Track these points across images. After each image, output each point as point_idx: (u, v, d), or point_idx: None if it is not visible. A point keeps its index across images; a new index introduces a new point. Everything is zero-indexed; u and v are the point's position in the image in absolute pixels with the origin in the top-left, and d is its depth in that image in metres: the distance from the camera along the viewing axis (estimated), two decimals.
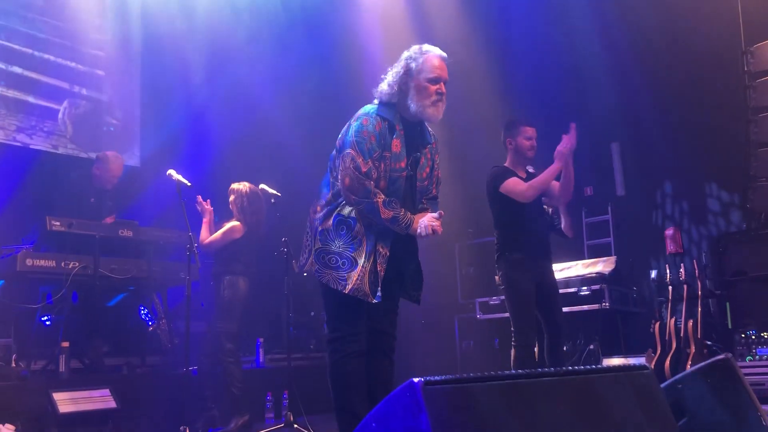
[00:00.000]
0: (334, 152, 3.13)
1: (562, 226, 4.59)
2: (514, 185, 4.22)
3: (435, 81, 3.03)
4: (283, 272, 5.16)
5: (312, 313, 7.07)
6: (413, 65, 3.05)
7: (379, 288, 2.95)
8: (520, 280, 4.22)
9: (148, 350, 5.81)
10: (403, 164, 3.04)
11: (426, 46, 3.14)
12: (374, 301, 2.95)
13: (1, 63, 6.76)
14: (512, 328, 4.21)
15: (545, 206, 4.59)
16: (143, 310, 6.12)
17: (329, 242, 2.99)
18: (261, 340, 6.19)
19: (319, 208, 3.09)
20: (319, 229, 3.02)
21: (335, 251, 2.97)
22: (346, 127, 3.09)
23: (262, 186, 5.41)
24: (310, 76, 7.55)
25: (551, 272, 4.48)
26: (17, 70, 6.88)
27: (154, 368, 5.60)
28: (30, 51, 6.97)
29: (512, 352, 4.17)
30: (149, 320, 6.06)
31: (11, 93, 6.80)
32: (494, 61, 7.28)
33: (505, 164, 4.42)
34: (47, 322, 5.43)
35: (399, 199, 3.02)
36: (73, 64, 7.29)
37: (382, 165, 2.98)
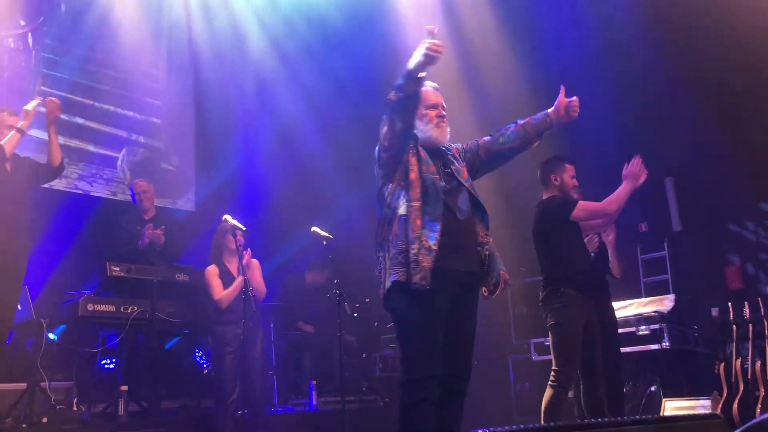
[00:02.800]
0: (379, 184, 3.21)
1: (611, 265, 4.48)
2: (590, 204, 4.21)
3: (433, 107, 3.22)
4: (336, 314, 5.17)
5: (364, 355, 7.04)
6: None
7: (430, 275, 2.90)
8: (572, 318, 4.11)
9: (203, 393, 5.86)
10: (433, 168, 3.12)
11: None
12: (424, 285, 2.88)
13: (63, 115, 7.04)
14: (554, 367, 4.08)
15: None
16: (198, 352, 6.21)
17: (398, 243, 2.97)
18: (314, 382, 6.18)
19: (382, 227, 3.11)
20: (390, 238, 3.02)
21: (402, 248, 2.95)
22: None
23: (314, 229, 5.47)
24: (358, 118, 7.66)
25: (610, 309, 4.35)
26: (79, 120, 7.19)
27: (209, 411, 5.63)
28: (90, 102, 7.28)
29: (548, 391, 4.04)
30: (204, 363, 6.14)
31: (73, 143, 7.08)
32: (543, 96, 7.24)
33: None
34: (107, 366, 5.54)
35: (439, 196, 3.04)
36: (130, 113, 7.57)
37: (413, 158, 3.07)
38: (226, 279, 5.15)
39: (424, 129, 3.18)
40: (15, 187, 4.51)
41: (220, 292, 5.06)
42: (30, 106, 4.51)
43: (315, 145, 7.56)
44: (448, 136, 3.25)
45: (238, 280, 5.02)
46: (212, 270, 5.18)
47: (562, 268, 4.23)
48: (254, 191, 7.35)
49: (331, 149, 7.58)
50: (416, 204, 2.97)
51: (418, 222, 2.94)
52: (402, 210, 2.99)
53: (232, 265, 5.22)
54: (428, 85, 3.27)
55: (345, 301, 5.37)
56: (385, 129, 3.06)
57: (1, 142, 4.40)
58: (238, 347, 4.91)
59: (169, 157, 7.82)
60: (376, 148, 3.19)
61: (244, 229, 4.97)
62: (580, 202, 4.19)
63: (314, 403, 6.13)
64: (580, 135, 7.08)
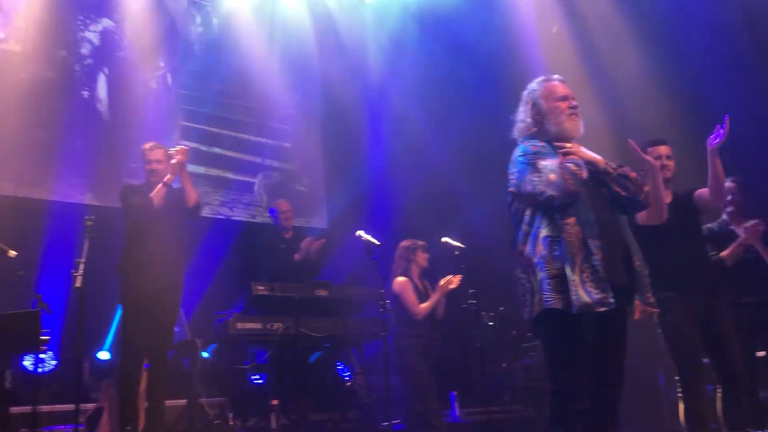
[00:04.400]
0: (510, 199, 3.07)
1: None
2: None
3: (563, 99, 3.08)
4: (472, 324, 5.13)
5: (504, 364, 6.93)
6: (538, 94, 3.12)
7: (610, 290, 2.74)
8: (678, 323, 3.70)
9: (347, 405, 5.99)
10: None
11: (542, 77, 3.20)
12: (610, 302, 2.72)
13: (203, 146, 7.54)
14: (677, 379, 3.77)
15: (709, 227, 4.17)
16: (340, 366, 6.37)
17: (547, 267, 2.82)
18: (455, 393, 6.15)
19: (522, 247, 2.96)
20: (535, 260, 2.88)
21: (554, 274, 2.80)
22: (514, 171, 3.03)
23: (445, 239, 5.47)
24: (483, 125, 7.59)
25: (720, 309, 3.81)
26: (217, 150, 7.65)
27: (355, 423, 5.75)
28: (227, 132, 7.74)
29: (681, 405, 3.70)
30: (347, 375, 6.28)
31: (214, 172, 7.54)
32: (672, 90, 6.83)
33: None
34: (257, 381, 5.80)
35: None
36: (263, 140, 7.97)
37: None
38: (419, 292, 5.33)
39: (556, 122, 3.04)
40: (170, 223, 4.83)
41: (419, 305, 5.19)
42: (174, 160, 4.77)
43: (442, 154, 7.58)
44: (582, 129, 3.07)
45: (435, 296, 5.19)
46: (406, 283, 5.30)
47: (653, 267, 3.60)
48: (384, 205, 7.48)
49: (458, 158, 7.56)
50: (571, 221, 2.83)
51: (574, 240, 2.80)
52: (547, 231, 2.85)
53: (416, 280, 5.38)
54: (553, 78, 3.17)
55: (481, 310, 5.32)
56: (552, 177, 2.84)
57: (151, 195, 4.73)
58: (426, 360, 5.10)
59: (301, 179, 8.14)
60: (513, 170, 3.01)
61: (377, 243, 5.05)
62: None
63: (457, 414, 6.10)
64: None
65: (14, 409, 4.42)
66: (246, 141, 7.86)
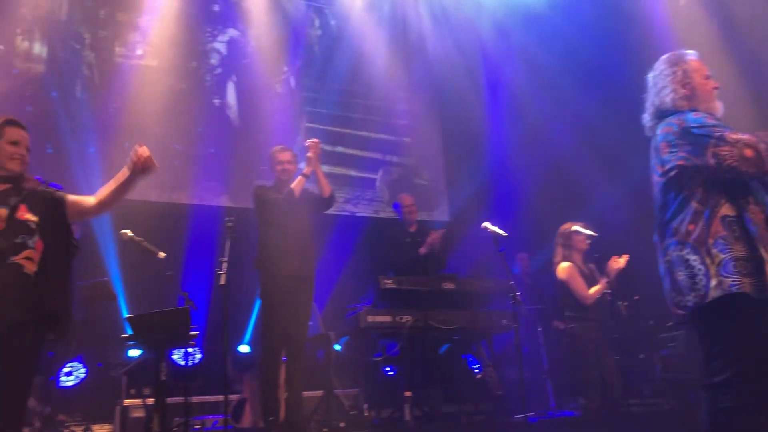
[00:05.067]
0: (657, 176, 2.84)
1: None
2: None
3: (708, 77, 2.90)
4: (609, 315, 4.97)
5: (642, 356, 6.64)
6: (688, 67, 2.90)
7: None
8: None
9: (479, 397, 5.97)
10: None
11: (681, 51, 2.99)
12: None
13: (327, 146, 7.74)
14: None
15: None
16: (469, 358, 6.36)
17: (731, 249, 2.60)
18: None
19: (692, 227, 2.71)
20: (711, 242, 2.65)
21: (741, 256, 2.58)
22: (664, 148, 2.78)
23: (575, 227, 5.32)
24: (608, 108, 7.30)
25: None
26: (339, 149, 7.85)
27: (488, 415, 5.72)
28: (348, 131, 7.92)
29: None
30: (477, 368, 6.26)
31: (337, 170, 7.73)
32: None
33: None
34: (390, 373, 5.91)
35: None
36: (384, 136, 8.09)
37: None
38: (586, 277, 5.31)
39: (705, 99, 2.84)
40: (302, 217, 5.05)
41: (587, 290, 5.18)
42: (310, 153, 5.02)
43: (566, 138, 7.35)
44: (722, 111, 2.88)
45: (603, 279, 5.16)
46: (571, 268, 5.31)
47: None
48: (507, 194, 7.38)
49: (583, 142, 7.31)
50: (751, 200, 2.62)
51: (758, 221, 2.59)
52: (727, 209, 2.63)
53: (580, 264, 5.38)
54: (694, 53, 2.97)
55: (618, 300, 5.14)
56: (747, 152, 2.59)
57: (292, 186, 4.97)
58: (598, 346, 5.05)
59: (421, 172, 8.20)
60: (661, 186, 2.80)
61: (504, 234, 4.99)
62: None
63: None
64: None
65: (169, 400, 4.75)
66: (366, 138, 8.01)
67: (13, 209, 2.94)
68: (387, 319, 5.60)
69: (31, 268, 2.89)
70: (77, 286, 5.39)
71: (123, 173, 3.14)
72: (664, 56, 3.00)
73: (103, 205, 3.18)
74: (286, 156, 5.12)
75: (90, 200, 3.17)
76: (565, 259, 5.34)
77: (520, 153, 7.59)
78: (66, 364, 5.69)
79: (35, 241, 2.93)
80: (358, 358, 6.11)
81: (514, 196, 7.40)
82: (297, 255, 4.93)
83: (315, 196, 5.20)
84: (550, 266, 5.61)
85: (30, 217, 2.94)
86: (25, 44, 6.74)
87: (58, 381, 5.36)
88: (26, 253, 2.88)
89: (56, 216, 3.05)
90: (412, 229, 6.26)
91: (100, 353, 5.60)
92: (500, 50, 8.01)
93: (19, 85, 6.63)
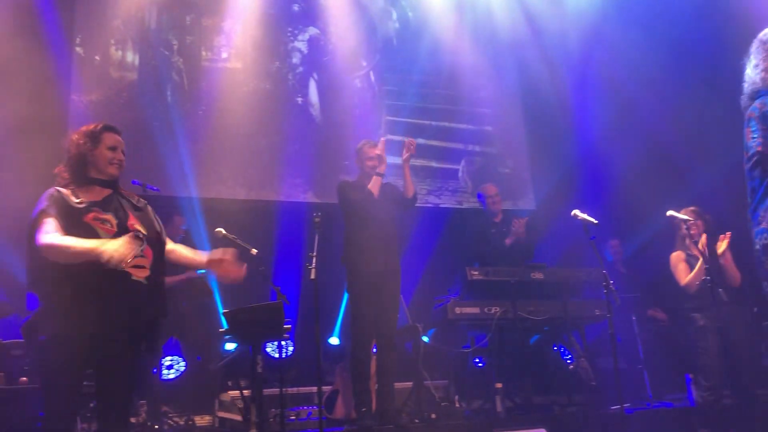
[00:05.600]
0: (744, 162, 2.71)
1: None
2: None
3: None
4: (710, 302, 4.75)
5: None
6: None
7: None
8: None
9: (572, 388, 5.85)
10: None
11: None
12: None
13: (407, 138, 7.74)
14: None
15: None
16: (560, 349, 6.23)
17: None
18: (691, 376, 5.74)
19: None
20: None
21: None
22: (747, 133, 2.67)
23: (670, 212, 5.11)
24: (705, 84, 6.95)
25: None
26: (421, 141, 7.81)
27: (582, 407, 5.60)
28: (429, 122, 7.90)
29: None
30: (569, 358, 6.13)
31: (419, 162, 7.73)
32: None
33: None
34: (479, 364, 5.87)
35: None
36: (464, 126, 8.02)
37: None
38: (693, 264, 5.11)
39: None
40: (386, 212, 5.09)
41: (686, 278, 5.05)
42: (380, 150, 5.06)
43: (659, 119, 7.04)
44: None
45: (699, 265, 4.97)
46: (676, 257, 5.17)
47: None
48: (596, 180, 7.15)
49: (677, 121, 6.98)
50: None
51: None
52: None
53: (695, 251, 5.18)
54: None
55: (718, 286, 4.91)
56: None
57: (369, 186, 5.02)
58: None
59: (504, 161, 8.08)
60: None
61: (595, 222, 4.85)
62: None
63: (694, 397, 5.69)
64: None
65: (265, 391, 4.90)
66: (448, 129, 7.98)
67: (124, 218, 3.02)
68: (475, 310, 5.57)
69: (141, 275, 2.93)
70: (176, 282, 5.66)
71: (199, 259, 3.24)
72: (760, 33, 2.83)
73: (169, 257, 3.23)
74: (372, 151, 5.16)
75: (169, 246, 3.22)
76: (677, 248, 5.15)
77: (610, 137, 7.32)
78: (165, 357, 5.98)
79: (144, 248, 2.95)
80: (447, 350, 6.11)
81: (604, 182, 7.16)
82: (382, 250, 4.98)
83: (398, 193, 5.22)
84: (644, 252, 5.43)
85: (140, 227, 3.01)
86: (119, 53, 7.08)
87: (160, 374, 5.62)
88: (136, 261, 2.89)
89: (157, 228, 3.13)
90: (497, 219, 6.18)
91: (199, 347, 5.82)
92: (586, 32, 7.75)
93: (115, 93, 6.97)
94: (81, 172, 3.00)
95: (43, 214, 2.82)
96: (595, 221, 4.86)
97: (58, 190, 2.93)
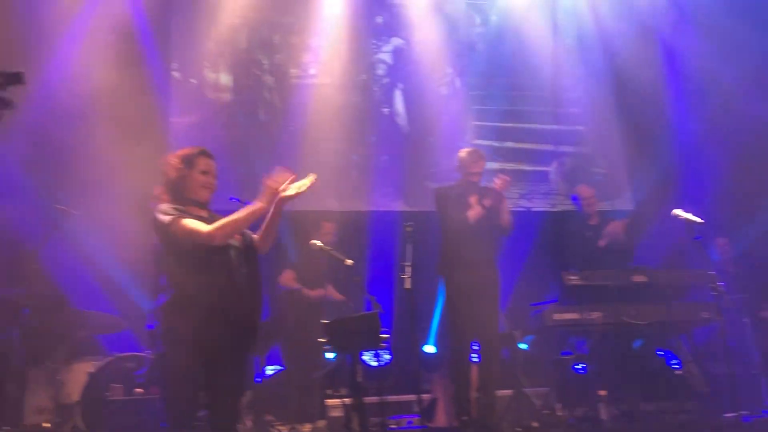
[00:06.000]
0: None
1: None
2: None
3: None
4: None
5: None
6: None
7: None
8: None
9: (681, 395, 5.59)
10: None
11: None
12: None
13: (496, 142, 7.68)
14: None
15: None
16: (666, 354, 5.97)
17: None
18: None
19: None
20: None
21: None
22: None
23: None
24: None
25: None
26: (510, 144, 7.74)
27: (694, 414, 5.34)
28: (518, 125, 7.78)
29: None
30: (676, 364, 5.87)
31: (508, 165, 7.62)
32: None
33: None
34: (581, 371, 5.72)
35: None
36: (555, 127, 7.85)
37: None
38: None
39: None
40: (484, 229, 5.05)
41: None
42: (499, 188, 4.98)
43: (762, 112, 6.64)
44: None
45: None
46: None
47: None
48: (698, 176, 6.82)
49: None
50: None
51: None
52: None
53: None
54: None
55: None
56: None
57: (469, 214, 4.98)
58: None
59: (598, 161, 7.85)
60: None
61: (700, 221, 4.64)
62: None
63: None
64: None
65: (365, 400, 4.93)
66: (537, 130, 7.83)
67: None
68: (574, 316, 5.46)
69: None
70: (277, 294, 5.83)
71: (265, 207, 3.14)
72: None
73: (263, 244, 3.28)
74: (479, 167, 5.16)
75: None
76: None
77: (711, 130, 6.97)
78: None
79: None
80: (547, 357, 5.99)
81: (706, 177, 6.81)
82: (480, 264, 4.97)
83: (495, 214, 5.14)
84: (755, 250, 5.14)
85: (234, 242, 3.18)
86: (213, 76, 7.38)
87: (263, 382, 5.79)
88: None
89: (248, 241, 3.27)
90: (593, 221, 6.02)
91: (301, 356, 5.95)
92: (680, 22, 7.42)
93: (211, 114, 7.27)
94: (179, 194, 3.16)
95: (178, 217, 3.01)
96: (700, 220, 4.65)
97: (168, 204, 3.11)
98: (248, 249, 3.19)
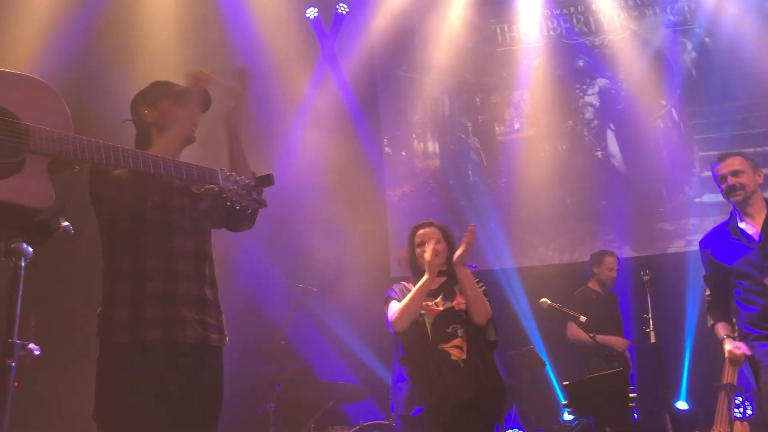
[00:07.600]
0: None
1: None
2: None
3: None
4: None
5: None
6: None
7: None
8: None
9: None
10: None
11: None
12: None
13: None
14: None
15: None
16: None
17: None
18: None
19: None
20: None
21: None
22: None
23: None
24: None
25: None
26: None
27: None
28: (753, 149, 7.00)
29: None
30: None
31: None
32: None
33: None
34: None
35: None
36: None
37: None
38: None
39: None
40: None
41: None
42: None
43: None
44: None
45: None
46: None
47: None
48: None
49: None
50: None
51: None
52: None
53: None
54: None
55: None
56: None
57: None
58: None
59: None
60: None
61: None
62: None
63: None
64: None
65: None
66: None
67: (452, 297, 3.27)
68: None
69: (459, 355, 3.16)
70: (508, 355, 5.71)
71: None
72: None
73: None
74: None
75: None
76: None
77: None
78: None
79: (463, 330, 3.22)
80: None
81: None
82: None
83: None
84: None
85: (463, 307, 3.22)
86: (421, 145, 7.66)
87: None
88: (455, 341, 3.18)
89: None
90: None
91: (536, 418, 5.75)
92: None
93: (422, 182, 7.52)
94: (413, 266, 3.49)
95: (388, 299, 3.39)
96: None
97: (403, 284, 3.41)
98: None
